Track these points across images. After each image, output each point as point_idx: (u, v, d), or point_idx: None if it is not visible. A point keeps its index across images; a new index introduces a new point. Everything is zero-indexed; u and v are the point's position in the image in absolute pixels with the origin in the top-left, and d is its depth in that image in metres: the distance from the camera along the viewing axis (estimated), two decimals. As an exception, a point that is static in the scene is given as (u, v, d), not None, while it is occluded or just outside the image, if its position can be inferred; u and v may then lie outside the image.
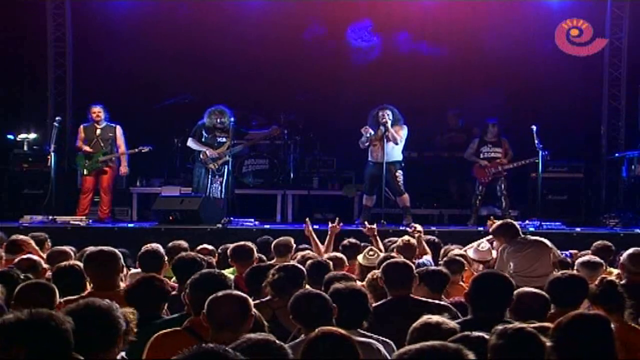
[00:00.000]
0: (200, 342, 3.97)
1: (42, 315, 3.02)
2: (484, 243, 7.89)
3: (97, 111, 11.86)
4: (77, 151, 11.96)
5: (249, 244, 7.23)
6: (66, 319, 3.04)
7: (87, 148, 11.80)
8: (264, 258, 7.42)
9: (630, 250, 6.49)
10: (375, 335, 4.36)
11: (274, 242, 7.82)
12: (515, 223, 7.98)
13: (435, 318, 3.90)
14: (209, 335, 4.03)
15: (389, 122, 11.27)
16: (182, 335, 4.19)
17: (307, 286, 5.29)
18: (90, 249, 5.73)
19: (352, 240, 8.00)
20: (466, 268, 7.12)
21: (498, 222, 7.93)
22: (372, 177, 11.52)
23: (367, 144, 11.46)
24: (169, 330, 4.30)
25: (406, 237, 7.70)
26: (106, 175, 11.86)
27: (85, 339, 3.23)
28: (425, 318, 3.90)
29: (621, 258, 6.55)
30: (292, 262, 5.91)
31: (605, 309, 4.59)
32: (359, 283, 5.41)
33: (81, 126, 12.04)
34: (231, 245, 7.23)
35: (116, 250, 5.57)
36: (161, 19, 13.56)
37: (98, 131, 11.85)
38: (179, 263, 5.94)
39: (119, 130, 11.91)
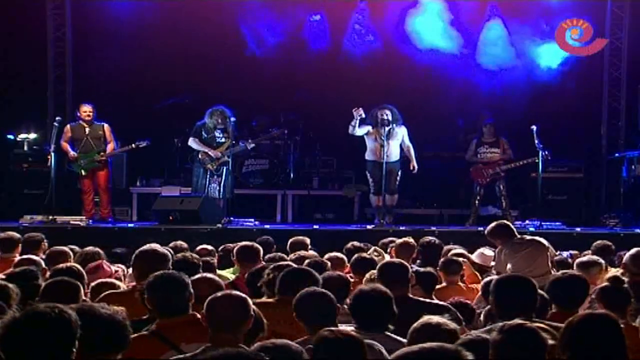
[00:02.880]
0: (169, 346, 4.01)
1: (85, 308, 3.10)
2: (489, 249, 7.84)
3: (89, 110, 11.77)
4: (63, 151, 11.76)
5: (256, 245, 7.05)
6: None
7: (72, 153, 11.72)
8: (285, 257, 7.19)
9: (633, 251, 6.49)
10: (399, 338, 4.21)
11: (289, 241, 7.78)
12: (510, 224, 7.91)
13: (435, 319, 3.89)
14: (176, 337, 4.04)
15: (389, 119, 11.23)
16: (148, 340, 4.12)
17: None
18: (144, 247, 5.68)
19: (356, 243, 7.88)
20: (464, 268, 7.11)
21: (493, 224, 7.76)
22: (378, 176, 11.34)
23: (356, 133, 11.31)
24: (134, 335, 4.20)
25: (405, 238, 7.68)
26: (102, 173, 11.82)
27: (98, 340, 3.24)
28: (425, 319, 3.89)
29: (623, 258, 6.55)
30: (287, 262, 5.87)
31: (607, 309, 4.57)
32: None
33: (68, 125, 11.96)
34: (238, 245, 7.05)
35: (166, 251, 5.57)
36: (161, 19, 13.53)
37: (87, 130, 11.78)
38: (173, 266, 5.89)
39: (107, 128, 11.84)
